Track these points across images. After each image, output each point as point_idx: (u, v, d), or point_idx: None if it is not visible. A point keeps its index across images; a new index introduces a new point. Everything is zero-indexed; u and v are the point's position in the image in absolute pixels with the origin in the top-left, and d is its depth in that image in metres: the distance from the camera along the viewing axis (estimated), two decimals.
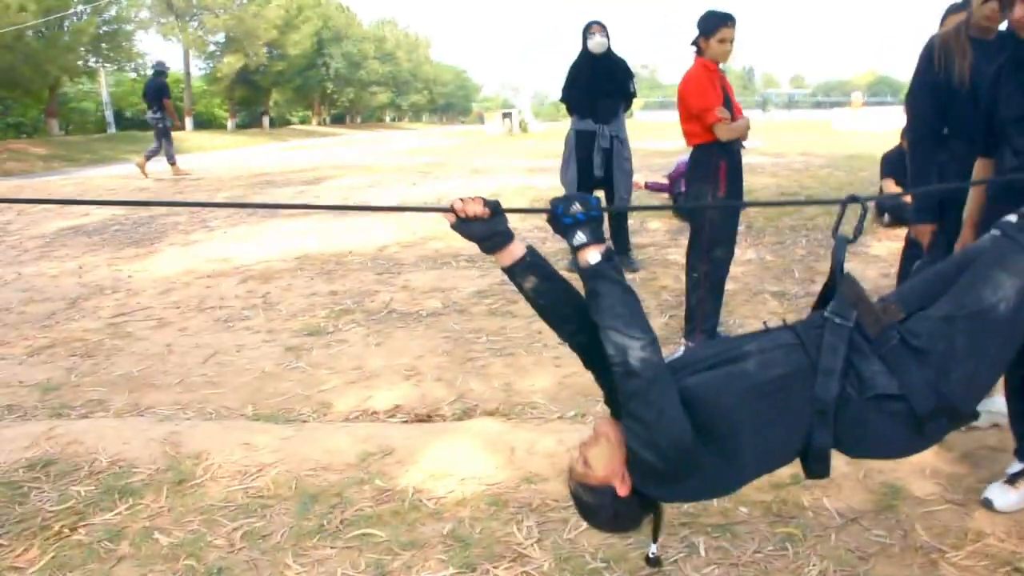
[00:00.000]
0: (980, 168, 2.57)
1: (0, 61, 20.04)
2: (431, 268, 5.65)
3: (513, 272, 1.76)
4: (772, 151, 15.81)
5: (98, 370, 4.10)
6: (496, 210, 1.71)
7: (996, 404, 2.99)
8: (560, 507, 2.56)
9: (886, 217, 6.51)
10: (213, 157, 16.69)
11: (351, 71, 44.86)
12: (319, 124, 41.87)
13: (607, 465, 1.65)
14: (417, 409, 3.44)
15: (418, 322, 4.56)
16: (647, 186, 8.17)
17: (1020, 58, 2.32)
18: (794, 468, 2.70)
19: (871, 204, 1.70)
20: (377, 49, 50.03)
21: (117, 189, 10.71)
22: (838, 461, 2.72)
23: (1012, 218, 1.74)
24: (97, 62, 27.29)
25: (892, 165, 6.39)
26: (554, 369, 3.81)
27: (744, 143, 4.25)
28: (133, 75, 34.63)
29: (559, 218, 1.67)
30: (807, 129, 27.65)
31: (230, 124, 37.49)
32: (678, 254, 5.90)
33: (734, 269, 4.34)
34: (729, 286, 4.30)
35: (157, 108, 12.88)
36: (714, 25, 3.86)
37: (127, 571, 2.36)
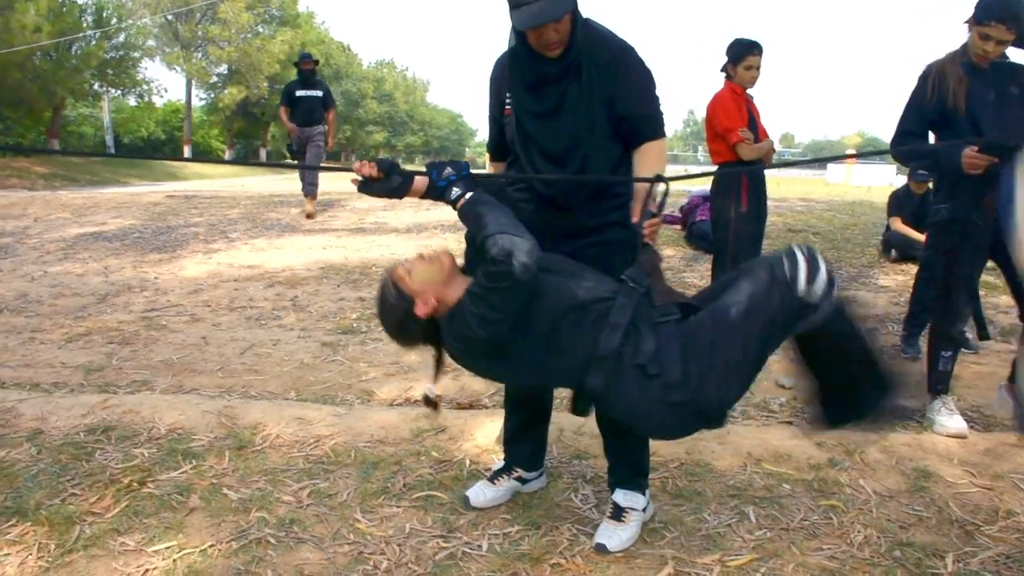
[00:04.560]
0: None
1: (9, 79, 20.27)
2: None
3: (429, 196, 1.98)
4: (774, 196, 16.19)
5: (137, 356, 4.20)
6: (387, 170, 1.95)
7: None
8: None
9: (893, 253, 6.74)
10: (215, 184, 16.85)
11: (349, 109, 45.40)
12: None
13: (424, 283, 1.88)
14: (459, 399, 3.57)
15: None
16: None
17: None
18: (830, 452, 2.88)
19: (672, 185, 2.08)
20: (376, 89, 50.78)
21: (128, 203, 10.83)
22: (871, 449, 2.90)
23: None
24: (102, 86, 27.60)
25: (900, 203, 6.64)
26: None
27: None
28: (134, 102, 35.10)
29: (435, 183, 1.92)
30: (801, 183, 28.25)
31: (228, 155, 37.74)
32: (694, 276, 6.08)
33: None
34: None
35: (316, 120, 8.66)
36: (740, 53, 4.15)
37: (200, 521, 2.45)
